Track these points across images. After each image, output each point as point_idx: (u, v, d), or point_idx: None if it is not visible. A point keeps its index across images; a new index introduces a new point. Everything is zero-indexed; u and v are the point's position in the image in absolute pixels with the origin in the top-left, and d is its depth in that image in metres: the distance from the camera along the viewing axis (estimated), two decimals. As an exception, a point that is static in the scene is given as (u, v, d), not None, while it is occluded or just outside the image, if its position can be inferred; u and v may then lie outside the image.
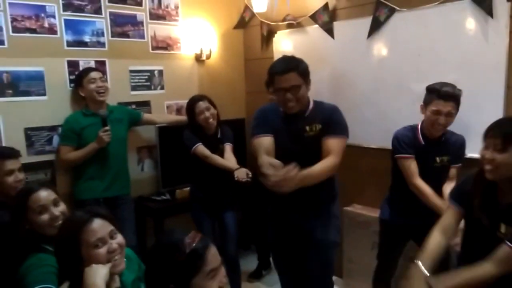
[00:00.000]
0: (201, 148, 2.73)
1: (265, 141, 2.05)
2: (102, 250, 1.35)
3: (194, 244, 1.17)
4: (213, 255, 1.21)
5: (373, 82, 2.86)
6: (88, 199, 2.65)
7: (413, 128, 2.27)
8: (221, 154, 2.78)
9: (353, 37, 2.92)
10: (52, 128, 2.81)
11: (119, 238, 1.43)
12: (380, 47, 2.80)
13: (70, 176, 2.80)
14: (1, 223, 1.83)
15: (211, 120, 2.76)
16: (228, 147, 2.81)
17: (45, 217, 1.67)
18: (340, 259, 2.86)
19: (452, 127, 2.20)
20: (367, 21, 2.81)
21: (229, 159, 2.75)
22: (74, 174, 2.79)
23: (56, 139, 2.82)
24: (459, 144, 2.23)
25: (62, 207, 1.73)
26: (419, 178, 2.18)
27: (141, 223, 3.06)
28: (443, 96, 2.10)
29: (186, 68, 3.49)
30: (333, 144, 1.97)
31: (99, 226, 1.36)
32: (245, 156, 3.56)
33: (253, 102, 3.63)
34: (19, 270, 1.59)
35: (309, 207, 2.12)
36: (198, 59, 3.54)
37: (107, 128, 2.68)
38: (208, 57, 3.57)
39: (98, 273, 1.30)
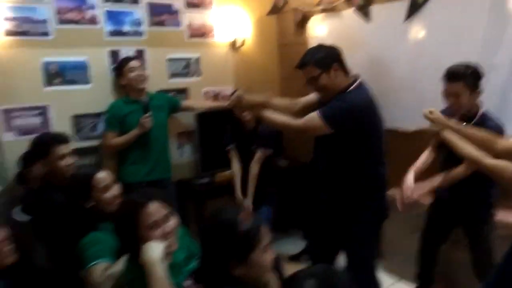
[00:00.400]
0: (232, 154, 2.94)
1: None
2: (157, 233, 1.43)
3: (249, 222, 1.24)
4: (266, 232, 1.28)
5: (411, 66, 2.83)
6: (133, 182, 2.75)
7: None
8: (251, 158, 2.85)
9: (390, 20, 2.89)
10: (97, 115, 2.94)
11: (173, 220, 1.52)
12: (418, 31, 2.76)
13: (115, 161, 2.93)
14: (59, 204, 1.96)
15: (248, 117, 2.81)
16: (257, 156, 2.86)
17: (108, 195, 1.81)
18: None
19: (499, 110, 2.15)
20: (404, 4, 2.77)
21: (251, 181, 2.85)
22: (118, 158, 2.91)
23: (100, 126, 2.95)
24: (491, 130, 2.03)
25: (118, 187, 1.87)
26: (426, 152, 2.36)
27: (182, 206, 3.16)
28: (448, 77, 2.13)
29: (221, 55, 3.55)
30: (310, 115, 2.01)
31: (155, 209, 1.45)
32: (281, 141, 3.63)
33: (287, 87, 3.65)
34: (78, 247, 1.71)
35: (348, 199, 2.13)
36: (233, 46, 3.59)
37: (148, 114, 2.78)
38: (242, 44, 3.61)
39: (156, 249, 1.39)
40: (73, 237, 1.76)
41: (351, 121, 1.98)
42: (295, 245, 3.53)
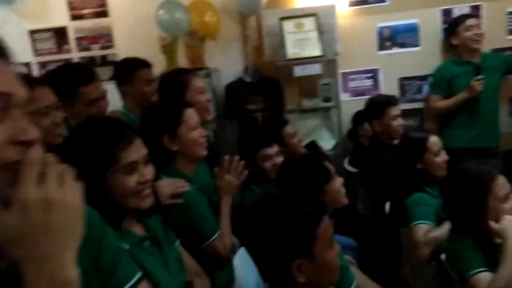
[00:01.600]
0: None
1: None
2: (508, 206, 1.39)
3: None
4: None
5: None
6: (454, 148, 2.64)
7: None
8: None
9: None
10: (423, 78, 2.96)
11: None
12: None
13: (437, 124, 2.90)
14: (388, 162, 2.15)
15: None
16: None
17: (439, 159, 1.85)
18: None
19: None
20: None
21: None
22: (441, 122, 2.87)
23: (425, 88, 2.96)
24: None
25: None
26: None
27: (509, 180, 2.85)
28: None
29: None
30: None
31: (504, 182, 1.41)
32: None
33: None
34: (403, 204, 1.84)
35: None
36: None
37: (480, 77, 2.60)
38: None
39: None
40: (398, 194, 1.91)
41: None
42: None
